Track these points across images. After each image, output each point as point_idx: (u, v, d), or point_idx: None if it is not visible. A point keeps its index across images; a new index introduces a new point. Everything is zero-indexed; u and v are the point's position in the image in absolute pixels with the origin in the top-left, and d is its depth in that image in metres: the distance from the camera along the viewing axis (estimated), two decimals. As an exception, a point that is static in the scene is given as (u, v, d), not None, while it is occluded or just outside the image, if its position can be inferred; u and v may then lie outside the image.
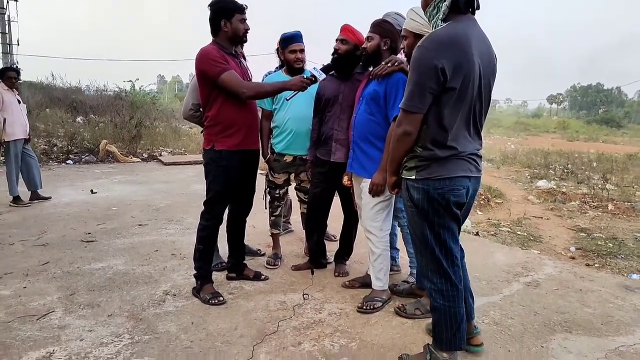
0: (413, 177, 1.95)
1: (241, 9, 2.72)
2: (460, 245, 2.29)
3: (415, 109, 1.84)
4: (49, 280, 3.12)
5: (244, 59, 3.17)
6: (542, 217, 6.76)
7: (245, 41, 2.88)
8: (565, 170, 11.09)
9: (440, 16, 1.88)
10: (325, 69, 2.83)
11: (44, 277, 3.16)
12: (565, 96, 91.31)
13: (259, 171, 3.22)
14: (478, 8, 1.93)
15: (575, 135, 30.01)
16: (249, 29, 2.79)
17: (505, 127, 35.59)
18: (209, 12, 2.71)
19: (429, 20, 1.98)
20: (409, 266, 3.17)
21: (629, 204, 7.51)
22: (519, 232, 5.68)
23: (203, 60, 2.64)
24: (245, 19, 2.75)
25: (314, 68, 2.80)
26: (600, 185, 9.01)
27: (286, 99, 2.89)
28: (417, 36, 2.32)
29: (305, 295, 2.97)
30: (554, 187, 9.04)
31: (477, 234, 5.21)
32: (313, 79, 2.73)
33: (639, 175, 10.36)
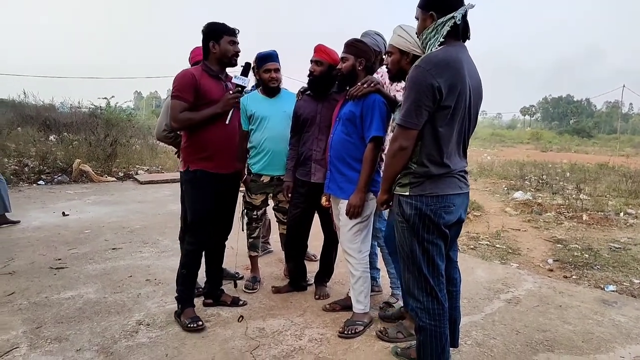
0: (407, 193, 1.99)
1: (231, 31, 2.73)
2: (459, 269, 2.29)
3: (411, 125, 1.90)
4: (14, 312, 2.96)
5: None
6: (519, 229, 6.82)
7: (235, 64, 2.84)
8: (540, 181, 11.29)
9: (439, 39, 1.95)
10: (244, 72, 2.78)
11: (8, 310, 3.00)
12: (538, 108, 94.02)
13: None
14: (469, 38, 2.03)
15: (549, 145, 30.76)
16: (239, 52, 2.77)
17: (482, 138, 36.30)
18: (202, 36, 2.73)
19: (424, 42, 2.03)
20: (390, 287, 3.13)
21: (602, 213, 7.66)
22: (497, 245, 5.70)
23: (175, 80, 2.68)
24: (235, 42, 2.74)
25: (235, 76, 2.76)
26: (574, 196, 9.19)
27: (226, 123, 2.79)
28: (403, 53, 2.35)
29: (240, 319, 2.89)
30: (530, 198, 9.16)
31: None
32: (240, 90, 2.72)
33: (611, 184, 10.62)
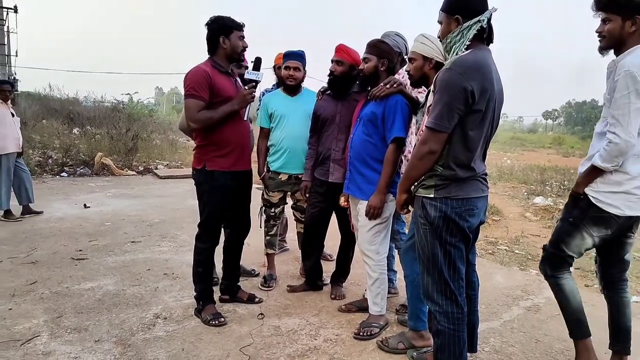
0: (431, 195, 1.96)
1: (239, 26, 2.71)
2: (477, 273, 2.26)
3: (443, 128, 1.88)
4: (36, 301, 3.03)
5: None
6: (539, 235, 6.69)
7: (243, 59, 2.84)
8: (562, 187, 11.05)
9: (466, 42, 1.93)
10: (255, 66, 2.78)
11: (31, 298, 3.07)
12: (561, 112, 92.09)
13: (255, 185, 3.16)
14: (492, 41, 2.01)
15: (571, 151, 30.08)
16: (247, 47, 2.77)
17: (502, 142, 35.74)
18: (206, 31, 2.67)
19: (448, 46, 2.01)
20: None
21: (626, 222, 7.46)
22: (517, 251, 5.60)
23: (187, 77, 2.62)
24: (243, 36, 2.73)
25: (248, 72, 2.76)
26: (597, 203, 8.97)
27: (243, 120, 2.80)
28: (427, 59, 2.35)
29: (260, 316, 2.91)
30: (551, 204, 8.97)
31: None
32: (254, 85, 2.73)
33: (636, 192, 10.34)
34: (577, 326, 2.35)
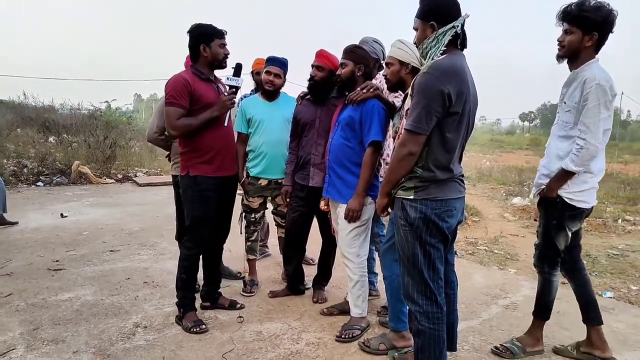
0: (411, 197, 1.99)
1: (220, 34, 2.72)
2: (456, 273, 2.30)
3: (421, 130, 1.92)
4: (12, 313, 2.95)
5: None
6: (517, 235, 6.84)
7: (225, 66, 2.86)
8: (539, 187, 11.32)
9: (441, 48, 1.98)
10: (235, 73, 2.80)
11: (5, 311, 2.99)
12: (537, 114, 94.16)
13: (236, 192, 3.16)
14: (466, 47, 2.07)
15: (548, 151, 30.70)
16: (228, 54, 2.78)
17: (481, 144, 36.36)
18: (188, 39, 2.70)
19: (424, 51, 2.06)
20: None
21: (600, 220, 7.68)
22: (496, 251, 5.71)
23: (168, 85, 2.65)
24: (224, 44, 2.75)
25: (228, 78, 2.79)
26: (572, 202, 9.19)
27: (225, 125, 2.82)
28: (403, 64, 2.41)
29: (239, 318, 2.93)
30: (529, 204, 9.17)
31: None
32: (234, 91, 2.76)
33: (609, 191, 10.64)
34: (543, 310, 2.64)
